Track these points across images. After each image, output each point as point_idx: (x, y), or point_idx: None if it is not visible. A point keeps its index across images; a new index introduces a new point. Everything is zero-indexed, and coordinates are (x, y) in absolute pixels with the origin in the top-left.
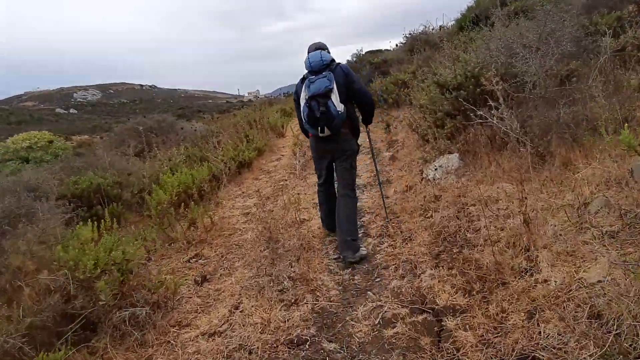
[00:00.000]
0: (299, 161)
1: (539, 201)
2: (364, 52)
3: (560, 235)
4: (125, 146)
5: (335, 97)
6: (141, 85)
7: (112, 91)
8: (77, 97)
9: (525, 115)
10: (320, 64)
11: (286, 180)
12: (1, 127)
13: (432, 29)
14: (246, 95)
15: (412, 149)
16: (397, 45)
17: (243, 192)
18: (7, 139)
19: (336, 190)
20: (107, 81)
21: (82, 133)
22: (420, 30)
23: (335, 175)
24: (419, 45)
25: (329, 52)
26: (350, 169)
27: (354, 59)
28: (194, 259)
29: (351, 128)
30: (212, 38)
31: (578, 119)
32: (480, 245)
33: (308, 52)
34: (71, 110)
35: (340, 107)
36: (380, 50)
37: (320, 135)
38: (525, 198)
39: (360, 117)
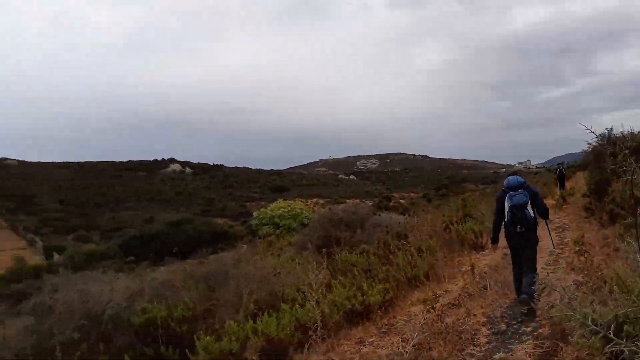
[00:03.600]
0: None
1: None
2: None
3: None
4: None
5: (528, 207)
6: (413, 155)
7: (388, 160)
8: (359, 164)
9: None
10: (517, 184)
11: None
12: (295, 189)
13: None
14: (516, 165)
15: None
16: None
17: None
18: (269, 206)
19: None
20: (385, 151)
21: (354, 197)
22: None
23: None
24: None
25: (522, 177)
26: (534, 252)
27: (599, 141)
28: None
29: (534, 225)
30: (484, 108)
31: None
32: None
33: (508, 176)
34: (351, 177)
35: (531, 213)
36: None
37: (518, 231)
38: None
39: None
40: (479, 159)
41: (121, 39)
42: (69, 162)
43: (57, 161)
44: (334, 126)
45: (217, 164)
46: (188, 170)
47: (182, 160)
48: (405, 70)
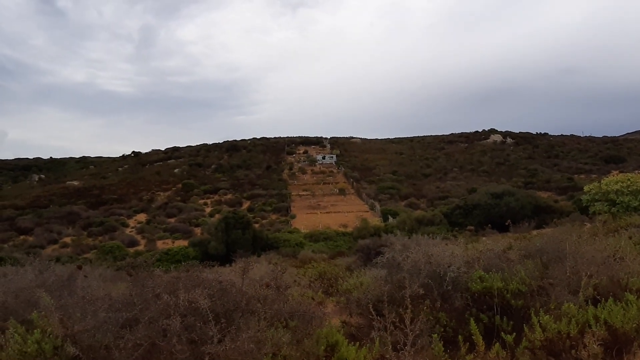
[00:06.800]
0: None
1: None
2: None
3: None
4: None
5: None
6: None
7: None
8: None
9: None
10: None
11: None
12: (634, 159)
13: None
14: None
15: None
16: None
17: None
18: (602, 179)
19: None
20: None
21: None
22: None
23: None
24: None
25: None
26: None
27: None
28: None
29: None
30: None
31: None
32: None
33: None
34: None
35: None
36: None
37: None
38: None
39: None
40: None
41: (439, 18)
42: (400, 138)
43: (390, 137)
44: None
45: (540, 133)
46: (509, 140)
47: (503, 131)
48: None
